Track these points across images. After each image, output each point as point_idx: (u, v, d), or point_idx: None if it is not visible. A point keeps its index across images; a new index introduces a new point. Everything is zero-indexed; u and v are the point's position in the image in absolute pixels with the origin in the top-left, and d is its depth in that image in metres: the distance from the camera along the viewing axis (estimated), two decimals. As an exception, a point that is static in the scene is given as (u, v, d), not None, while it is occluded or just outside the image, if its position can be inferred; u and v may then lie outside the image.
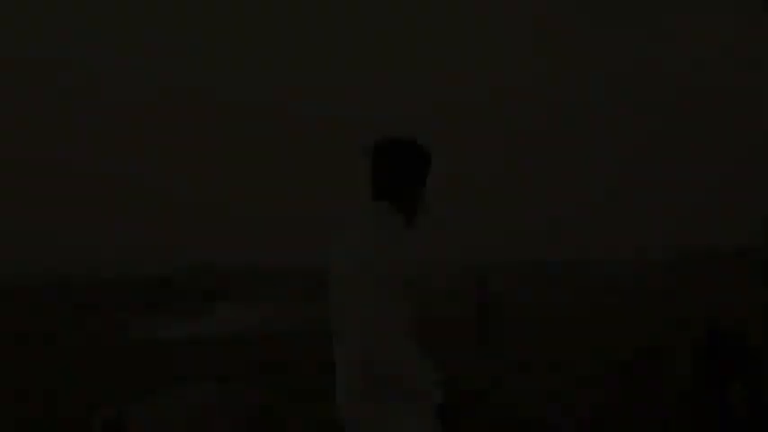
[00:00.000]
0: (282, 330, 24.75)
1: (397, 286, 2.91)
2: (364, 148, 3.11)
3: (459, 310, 26.37)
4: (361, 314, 2.89)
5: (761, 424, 3.00)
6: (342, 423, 3.03)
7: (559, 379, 11.76)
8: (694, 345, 3.11)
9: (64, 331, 26.34)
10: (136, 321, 29.19)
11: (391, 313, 2.87)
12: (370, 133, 3.20)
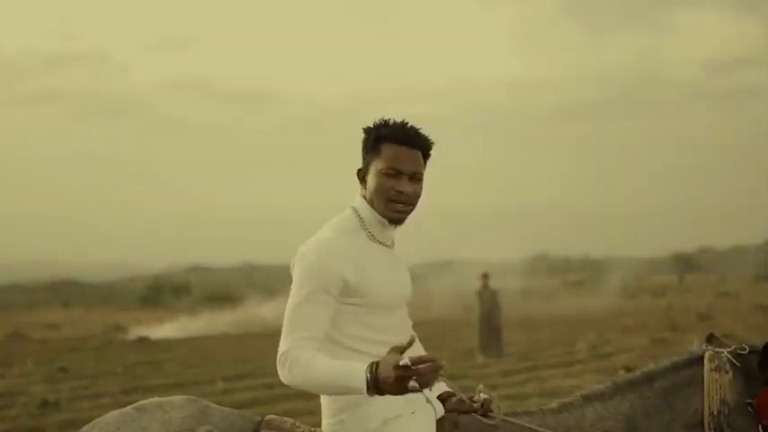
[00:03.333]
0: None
1: (328, 287, 2.48)
2: None
3: (462, 312, 26.12)
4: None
5: None
6: None
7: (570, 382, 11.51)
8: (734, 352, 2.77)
9: (59, 331, 26.08)
10: (132, 321, 28.94)
11: (309, 318, 2.46)
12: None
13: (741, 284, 43.34)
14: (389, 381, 2.29)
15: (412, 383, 2.29)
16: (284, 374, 2.47)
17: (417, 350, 2.85)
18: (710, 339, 2.89)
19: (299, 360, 2.43)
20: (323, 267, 2.51)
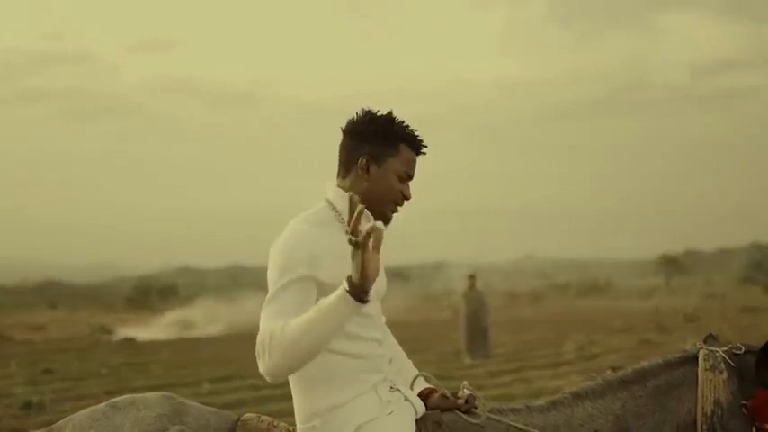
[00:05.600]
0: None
1: (305, 276, 2.33)
2: None
3: (451, 313, 26.11)
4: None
5: None
6: None
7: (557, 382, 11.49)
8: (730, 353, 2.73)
9: (44, 332, 25.89)
10: (118, 322, 28.78)
11: (287, 305, 2.28)
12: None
13: (727, 287, 43.53)
14: (358, 263, 2.14)
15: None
16: (264, 361, 2.25)
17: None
18: (707, 339, 2.82)
19: (276, 334, 2.23)
20: (298, 258, 2.36)
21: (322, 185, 2.65)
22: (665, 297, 37.33)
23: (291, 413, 2.74)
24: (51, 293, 46.65)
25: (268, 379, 2.29)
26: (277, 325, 2.24)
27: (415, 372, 2.76)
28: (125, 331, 25.13)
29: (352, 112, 2.61)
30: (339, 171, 2.60)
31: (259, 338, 2.27)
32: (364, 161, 2.53)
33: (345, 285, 2.18)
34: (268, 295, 2.36)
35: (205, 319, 30.18)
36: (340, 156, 2.60)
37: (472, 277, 15.98)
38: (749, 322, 20.48)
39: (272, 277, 2.38)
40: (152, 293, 43.85)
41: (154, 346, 20.60)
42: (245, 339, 21.19)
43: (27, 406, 10.79)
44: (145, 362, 16.31)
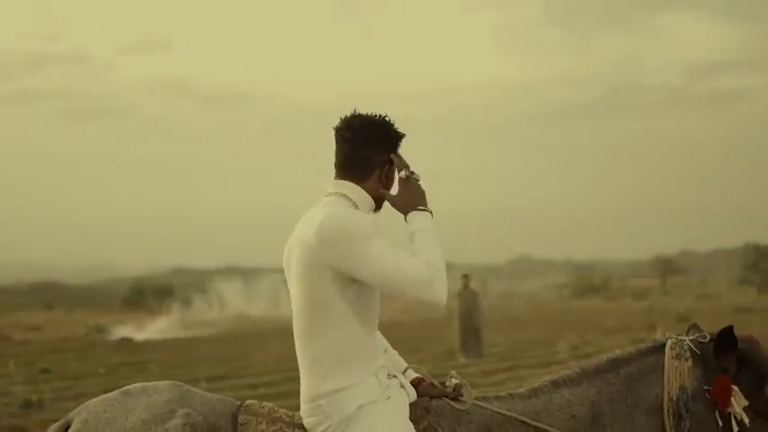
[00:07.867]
0: (257, 331, 24.49)
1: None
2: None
3: (445, 314, 26.24)
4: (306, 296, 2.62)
5: None
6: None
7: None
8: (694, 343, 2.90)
9: (41, 332, 25.95)
10: (114, 323, 28.85)
11: (397, 248, 2.59)
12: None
13: (722, 287, 43.62)
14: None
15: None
16: (437, 290, 2.53)
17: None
18: (690, 330, 3.01)
19: (431, 264, 2.55)
20: (362, 221, 2.60)
21: (320, 186, 2.79)
22: (659, 297, 37.46)
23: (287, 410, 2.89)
24: (48, 294, 46.63)
25: (441, 304, 2.58)
26: (417, 260, 2.56)
27: (404, 363, 2.95)
28: (122, 331, 25.23)
29: (345, 113, 2.76)
30: (353, 172, 2.76)
31: (416, 277, 2.54)
32: (387, 169, 2.76)
33: (421, 207, 2.69)
34: (375, 251, 2.56)
35: (201, 319, 30.26)
36: (352, 157, 2.76)
37: (466, 277, 16.11)
38: (743, 323, 20.61)
39: (349, 240, 2.56)
40: (148, 294, 43.85)
41: (150, 345, 20.73)
42: (240, 339, 21.32)
43: (26, 405, 10.91)
44: (142, 361, 16.44)
